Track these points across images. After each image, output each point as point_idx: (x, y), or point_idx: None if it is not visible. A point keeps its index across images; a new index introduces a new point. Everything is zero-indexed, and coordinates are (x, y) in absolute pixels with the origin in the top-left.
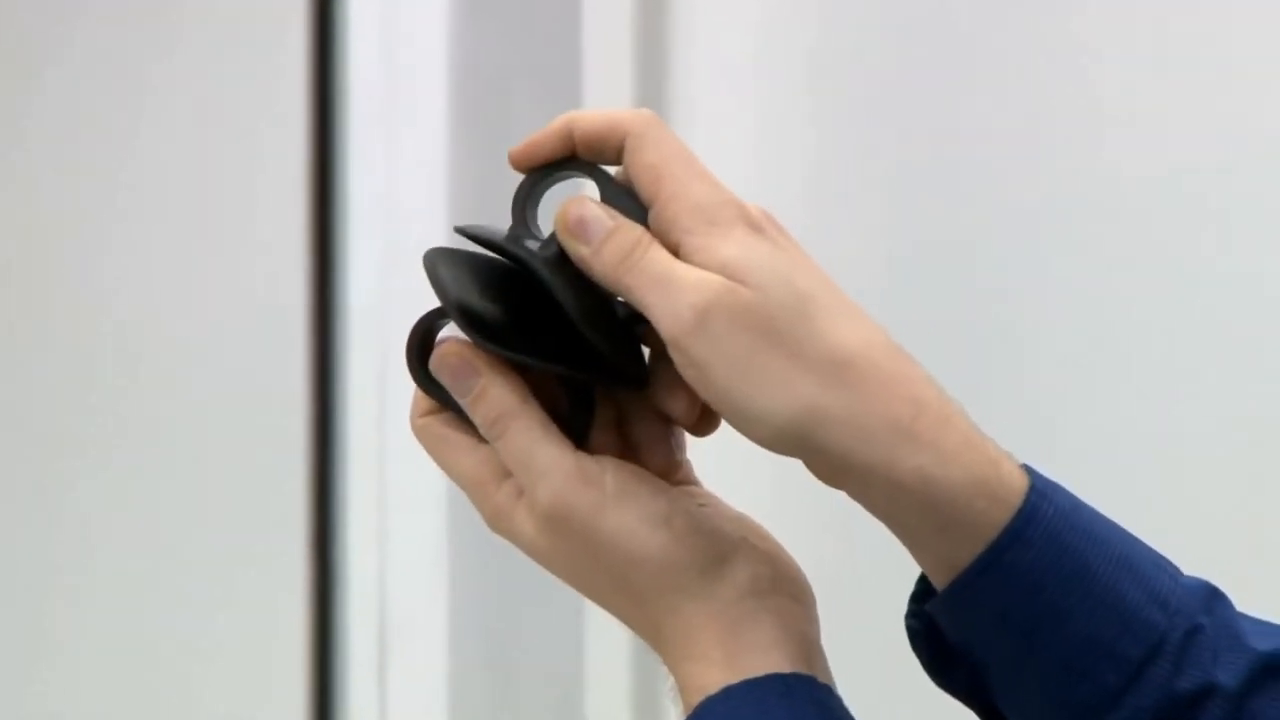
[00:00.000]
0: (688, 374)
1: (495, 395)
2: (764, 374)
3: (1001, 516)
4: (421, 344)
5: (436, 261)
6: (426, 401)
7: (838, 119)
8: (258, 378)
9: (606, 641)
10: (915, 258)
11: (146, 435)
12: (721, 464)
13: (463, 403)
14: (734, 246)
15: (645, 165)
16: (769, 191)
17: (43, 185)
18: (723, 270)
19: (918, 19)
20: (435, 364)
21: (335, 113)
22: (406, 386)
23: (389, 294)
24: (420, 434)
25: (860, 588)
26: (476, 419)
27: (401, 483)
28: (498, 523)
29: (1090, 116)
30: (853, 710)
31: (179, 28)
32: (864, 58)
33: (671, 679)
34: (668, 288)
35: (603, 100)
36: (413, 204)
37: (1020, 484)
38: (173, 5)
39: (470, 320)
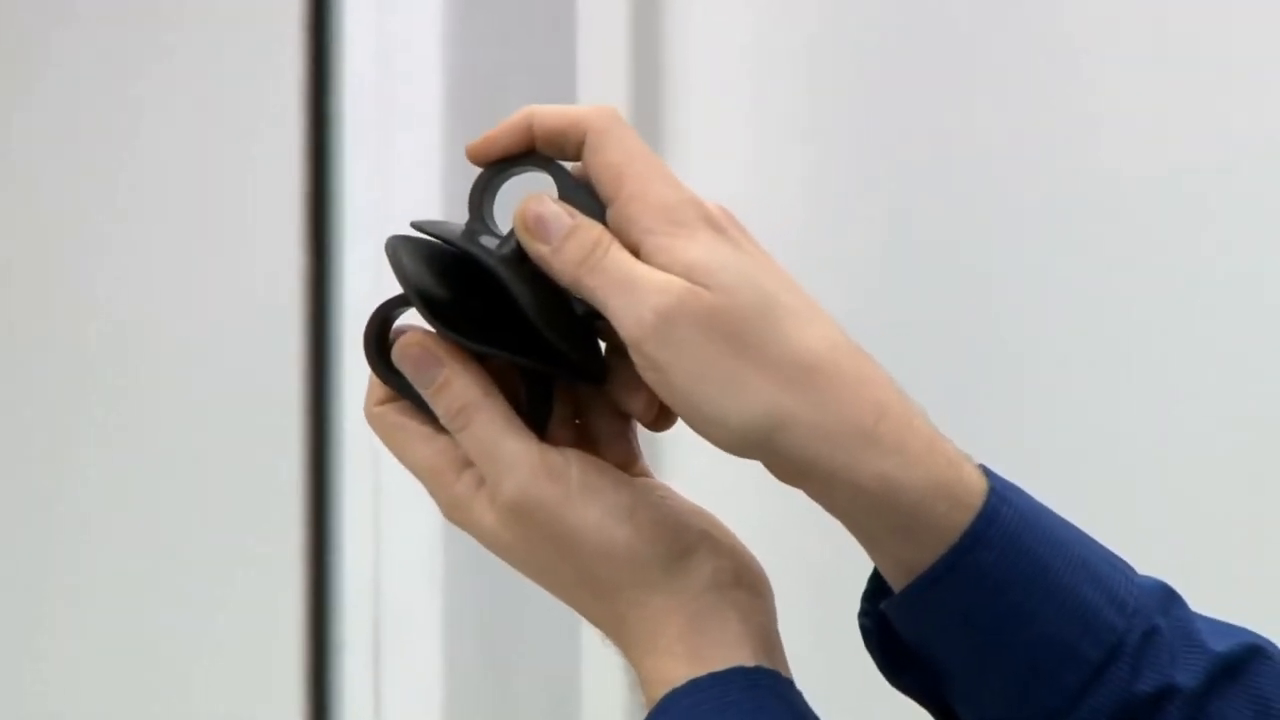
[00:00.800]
0: (648, 376)
1: (459, 386)
2: (727, 378)
3: (962, 519)
4: (379, 332)
5: (399, 249)
6: (381, 390)
7: (835, 118)
8: (253, 378)
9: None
10: (913, 256)
11: (143, 434)
12: (717, 456)
13: (425, 393)
14: (697, 248)
15: (606, 163)
16: (765, 192)
17: (39, 185)
18: (686, 272)
19: (916, 18)
20: (397, 353)
21: (331, 115)
22: None
23: (384, 295)
24: (375, 422)
25: (852, 582)
26: (439, 410)
27: (396, 481)
28: (455, 513)
29: (1089, 116)
30: (842, 703)
31: (175, 30)
32: (861, 57)
33: (633, 673)
34: (630, 290)
35: (599, 102)
36: (407, 205)
37: (980, 486)
38: (169, 7)
39: (433, 308)
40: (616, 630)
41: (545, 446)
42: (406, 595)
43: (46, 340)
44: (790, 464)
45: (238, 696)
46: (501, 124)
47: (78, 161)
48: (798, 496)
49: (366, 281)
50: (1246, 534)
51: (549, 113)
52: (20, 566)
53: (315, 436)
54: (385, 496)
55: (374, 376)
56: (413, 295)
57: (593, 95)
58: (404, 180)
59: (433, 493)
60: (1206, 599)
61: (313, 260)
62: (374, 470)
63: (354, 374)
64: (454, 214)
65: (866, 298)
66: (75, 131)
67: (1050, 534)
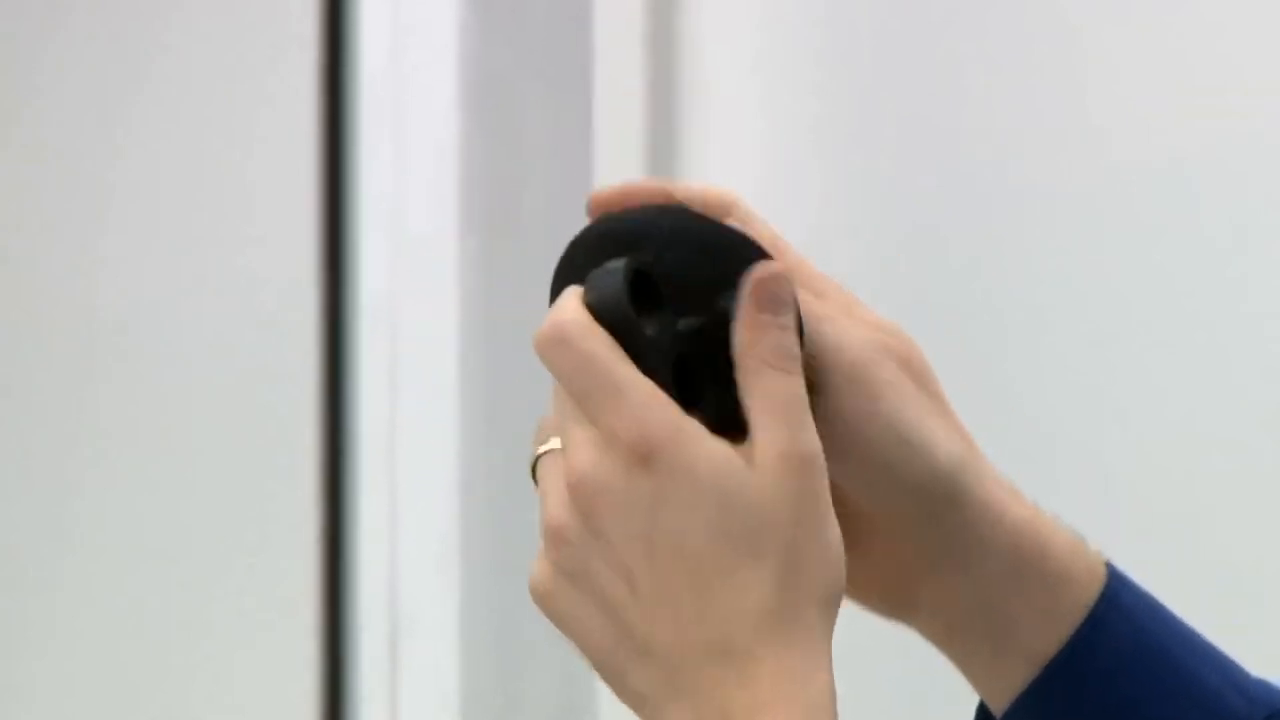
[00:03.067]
0: (859, 405)
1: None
2: (927, 413)
3: (1094, 589)
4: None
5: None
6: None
7: (848, 114)
8: (268, 373)
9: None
10: (929, 257)
11: (157, 429)
12: None
13: (770, 320)
14: (870, 313)
15: (760, 234)
16: (780, 187)
17: (55, 177)
18: (876, 329)
19: (926, 20)
20: (771, 272)
21: (346, 109)
22: (417, 382)
23: (398, 289)
24: (587, 337)
25: None
26: (777, 344)
27: (413, 477)
28: (678, 438)
29: (1105, 112)
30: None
31: (191, 24)
32: (873, 53)
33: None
34: (841, 333)
35: (612, 94)
36: (422, 197)
37: (1101, 563)
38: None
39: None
40: (786, 630)
41: None
42: (422, 591)
43: (57, 337)
44: (967, 500)
45: (252, 697)
46: (636, 183)
47: (90, 156)
48: None
49: (382, 278)
50: (1247, 537)
51: (691, 188)
52: (29, 561)
53: (331, 431)
54: (401, 493)
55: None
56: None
57: (607, 89)
58: (418, 172)
59: (652, 417)
60: (1217, 598)
61: (328, 253)
62: (389, 465)
63: (370, 369)
64: (467, 204)
65: (883, 298)
66: (86, 126)
67: (1167, 618)
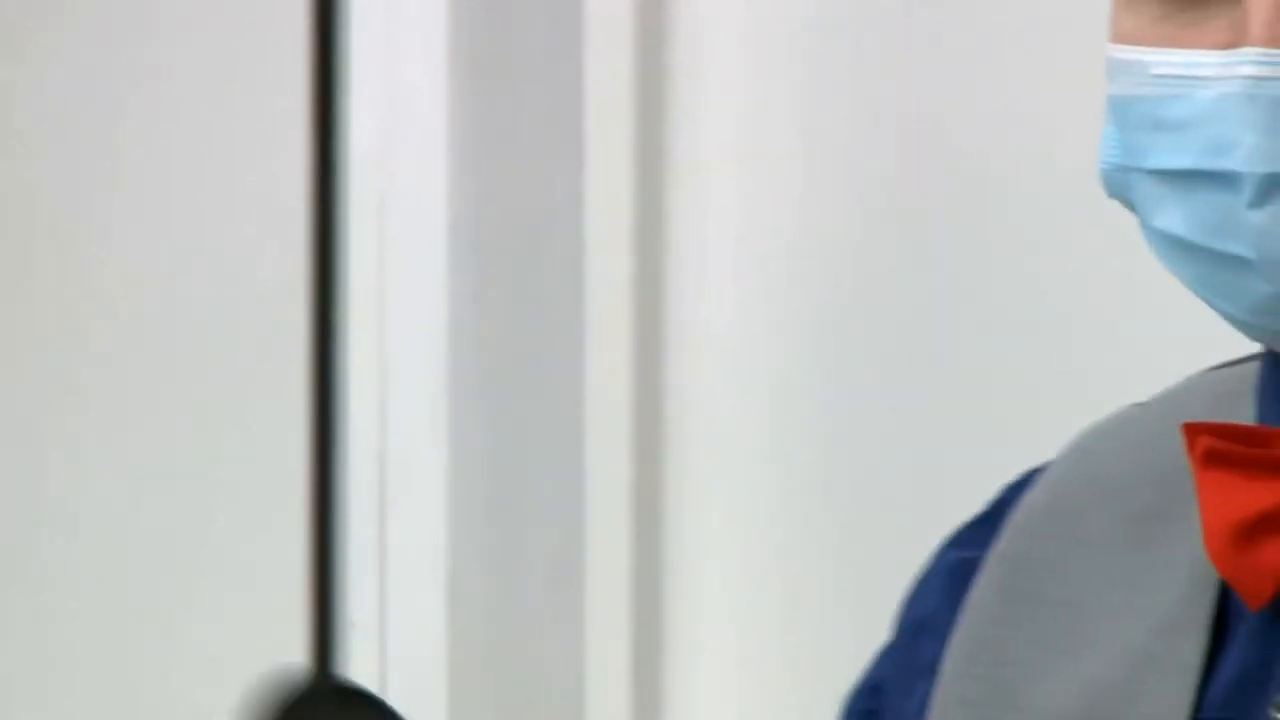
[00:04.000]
0: None
1: None
2: None
3: None
4: None
5: None
6: None
7: (837, 104)
8: (258, 362)
9: (611, 636)
10: (923, 244)
11: (144, 412)
12: (731, 470)
13: None
14: None
15: None
16: (763, 171)
17: (38, 140)
18: None
19: (919, 12)
20: None
21: (336, 93)
22: (408, 371)
23: (389, 286)
24: None
25: (869, 584)
26: None
27: (406, 475)
28: None
29: (1092, 109)
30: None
31: (185, 20)
32: (863, 43)
33: None
34: None
35: (603, 33)
36: (410, 183)
37: None
38: None
39: None
40: None
41: None
42: (412, 589)
43: (48, 314)
44: None
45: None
46: None
47: (88, 144)
48: (807, 502)
49: (371, 263)
50: None
51: None
52: (17, 554)
53: (320, 422)
54: (394, 493)
55: None
56: None
57: (598, 25)
58: (408, 174)
59: None
60: None
61: (318, 245)
62: (380, 474)
63: (360, 359)
64: (457, 170)
65: (880, 297)
66: (85, 109)
67: None
